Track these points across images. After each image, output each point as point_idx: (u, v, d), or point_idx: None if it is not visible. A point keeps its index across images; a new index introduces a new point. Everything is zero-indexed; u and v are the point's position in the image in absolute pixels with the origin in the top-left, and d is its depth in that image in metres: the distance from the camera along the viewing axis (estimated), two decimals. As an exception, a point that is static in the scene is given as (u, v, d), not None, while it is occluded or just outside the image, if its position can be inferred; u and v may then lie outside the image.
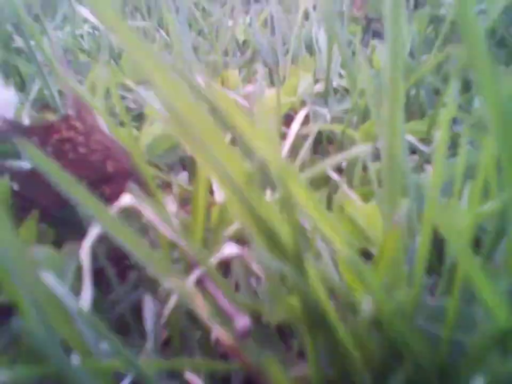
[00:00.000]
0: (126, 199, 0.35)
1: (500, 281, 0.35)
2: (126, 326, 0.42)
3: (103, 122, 0.45)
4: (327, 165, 0.43)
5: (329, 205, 0.53)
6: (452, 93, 0.39)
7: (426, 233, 0.32)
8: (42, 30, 0.82)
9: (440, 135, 0.38)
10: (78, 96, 0.43)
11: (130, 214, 0.45)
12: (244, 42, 1.03)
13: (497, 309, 0.27)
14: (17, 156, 0.46)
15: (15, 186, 0.47)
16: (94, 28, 0.90)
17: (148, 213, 0.33)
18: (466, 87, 0.83)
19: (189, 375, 0.33)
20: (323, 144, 0.66)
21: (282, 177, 0.26)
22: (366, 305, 0.28)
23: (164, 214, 0.36)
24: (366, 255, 0.44)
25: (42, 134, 0.43)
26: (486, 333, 0.28)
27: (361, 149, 0.43)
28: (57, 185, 0.27)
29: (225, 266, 0.44)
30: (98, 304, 0.39)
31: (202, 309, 0.29)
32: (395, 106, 0.31)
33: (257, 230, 0.28)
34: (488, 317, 0.29)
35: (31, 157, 0.27)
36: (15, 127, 0.42)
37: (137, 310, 0.40)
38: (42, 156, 0.27)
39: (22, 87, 0.81)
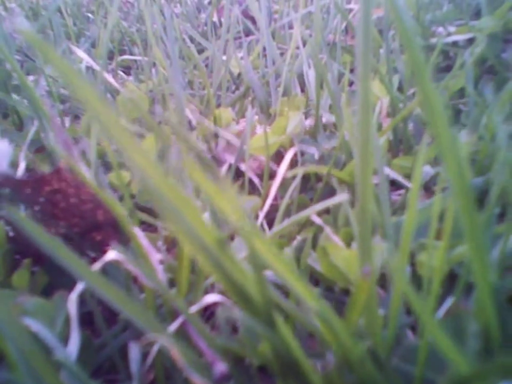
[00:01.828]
0: (110, 255, 0.37)
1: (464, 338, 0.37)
2: (114, 367, 0.43)
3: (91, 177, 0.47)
4: (308, 213, 0.45)
5: (314, 246, 0.55)
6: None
7: (400, 278, 0.34)
8: (39, 69, 0.84)
9: (413, 183, 0.40)
10: (68, 151, 0.45)
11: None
12: (239, 75, 1.05)
13: (459, 361, 0.29)
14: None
15: (10, 233, 0.49)
16: (90, 67, 0.92)
17: (131, 267, 0.35)
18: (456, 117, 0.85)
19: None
20: (311, 182, 0.68)
21: (247, 238, 0.28)
22: (329, 356, 0.29)
23: (147, 266, 0.38)
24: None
25: (34, 186, 0.45)
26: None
27: (340, 197, 0.45)
28: (41, 246, 0.29)
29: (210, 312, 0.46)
30: (86, 347, 0.41)
31: (178, 359, 0.31)
32: (366, 161, 0.32)
33: (230, 289, 0.30)
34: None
35: (15, 221, 0.29)
36: (8, 179, 0.44)
37: (125, 352, 0.42)
38: (26, 220, 0.29)
39: (20, 126, 0.83)
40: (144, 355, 0.39)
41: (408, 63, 0.93)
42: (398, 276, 0.35)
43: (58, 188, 0.45)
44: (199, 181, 0.29)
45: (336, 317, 0.31)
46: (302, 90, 0.93)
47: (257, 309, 0.30)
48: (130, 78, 1.08)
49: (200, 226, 0.29)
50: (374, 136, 0.50)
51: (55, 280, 0.47)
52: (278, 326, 0.30)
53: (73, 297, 0.37)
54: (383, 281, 0.46)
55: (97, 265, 0.37)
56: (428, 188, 0.67)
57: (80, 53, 0.89)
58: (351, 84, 1.01)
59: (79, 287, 0.38)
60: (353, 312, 0.34)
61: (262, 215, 0.57)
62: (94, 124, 0.61)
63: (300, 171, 0.58)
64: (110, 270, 0.45)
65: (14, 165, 0.64)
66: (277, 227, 0.46)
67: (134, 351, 0.38)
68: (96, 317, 0.44)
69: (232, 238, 0.49)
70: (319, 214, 0.56)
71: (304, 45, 0.99)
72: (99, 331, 0.45)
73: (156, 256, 0.42)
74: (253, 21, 1.29)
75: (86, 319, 0.45)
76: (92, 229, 0.47)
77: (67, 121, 0.85)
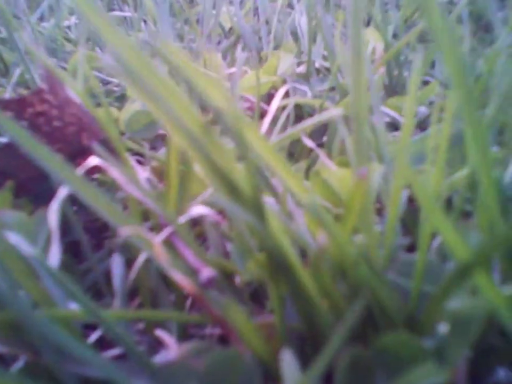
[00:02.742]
0: (93, 160, 0.35)
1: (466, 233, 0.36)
2: (99, 292, 0.42)
3: (77, 97, 0.45)
4: (298, 130, 0.43)
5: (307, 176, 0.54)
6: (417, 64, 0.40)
7: (397, 189, 0.33)
8: (27, 21, 0.83)
9: (408, 106, 0.39)
10: (51, 71, 0.44)
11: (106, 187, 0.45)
12: (230, 29, 1.03)
13: (458, 247, 0.28)
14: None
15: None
16: (81, 18, 0.90)
17: (114, 173, 0.33)
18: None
19: (159, 332, 0.33)
20: (304, 119, 0.66)
21: (235, 122, 0.26)
22: (321, 239, 0.28)
23: (132, 176, 0.37)
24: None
25: (16, 108, 0.44)
26: (450, 272, 0.29)
27: (332, 113, 0.44)
28: (26, 150, 0.28)
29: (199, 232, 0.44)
30: (70, 272, 0.39)
31: (163, 258, 0.30)
32: (360, 81, 0.31)
33: (216, 177, 0.28)
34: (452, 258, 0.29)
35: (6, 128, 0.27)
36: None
37: (110, 278, 0.40)
38: (14, 124, 0.27)
39: (5, 73, 0.81)
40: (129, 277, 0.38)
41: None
42: (396, 184, 0.33)
43: (41, 110, 0.44)
44: (180, 63, 0.27)
45: (329, 214, 0.29)
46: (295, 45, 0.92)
47: (245, 200, 0.28)
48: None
49: (185, 111, 0.27)
50: (368, 69, 0.48)
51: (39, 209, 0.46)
52: (269, 219, 0.29)
53: (54, 207, 0.35)
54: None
55: (80, 170, 0.36)
56: (423, 128, 0.65)
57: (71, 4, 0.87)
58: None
59: (61, 194, 0.36)
60: (348, 217, 0.32)
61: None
62: (80, 65, 0.59)
63: (292, 101, 0.56)
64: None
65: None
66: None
67: (117, 263, 0.37)
68: (81, 242, 0.42)
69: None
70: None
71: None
72: (84, 259, 0.43)
73: (142, 174, 0.41)
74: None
75: (72, 249, 0.44)
76: (77, 154, 0.46)
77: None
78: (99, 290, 0.42)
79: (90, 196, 0.30)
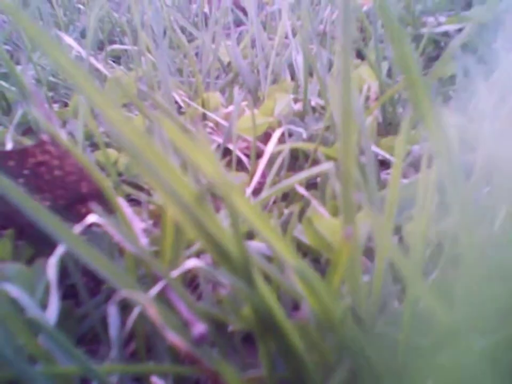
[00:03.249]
0: (91, 218, 0.37)
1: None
2: (97, 338, 0.43)
3: (76, 148, 0.47)
4: (293, 182, 0.45)
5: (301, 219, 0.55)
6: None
7: (385, 243, 0.34)
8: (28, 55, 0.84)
9: (395, 161, 0.40)
10: (51, 124, 0.45)
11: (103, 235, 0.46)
12: (229, 64, 1.05)
13: (442, 317, 0.29)
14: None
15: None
16: (80, 56, 0.92)
17: (111, 230, 0.35)
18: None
19: (154, 379, 0.34)
20: (299, 161, 0.68)
21: (223, 191, 0.28)
22: (304, 306, 0.29)
23: (129, 231, 0.38)
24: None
25: (18, 158, 0.45)
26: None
27: (325, 167, 0.45)
28: (23, 208, 0.29)
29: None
30: (68, 317, 0.41)
31: (155, 316, 0.31)
32: (348, 133, 0.32)
33: (209, 246, 0.30)
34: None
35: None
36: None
37: (107, 323, 0.41)
38: (7, 182, 0.28)
39: (7, 111, 0.83)
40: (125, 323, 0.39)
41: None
42: (382, 236, 0.35)
43: (42, 160, 0.45)
44: (174, 137, 0.29)
45: (316, 275, 0.31)
46: (292, 79, 0.93)
47: (237, 267, 0.30)
48: (121, 67, 1.08)
49: (178, 183, 0.29)
50: (360, 112, 0.50)
51: (40, 253, 0.47)
52: (257, 283, 0.30)
53: (52, 261, 0.37)
54: (370, 254, 0.46)
55: (77, 228, 0.37)
56: (417, 167, 0.67)
57: (70, 41, 0.88)
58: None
59: (59, 250, 0.37)
60: (334, 274, 0.34)
61: (249, 191, 0.57)
62: (81, 105, 0.61)
63: (287, 147, 0.58)
64: (94, 241, 0.45)
65: (1, 145, 0.64)
66: (261, 196, 0.46)
67: (113, 315, 0.38)
68: (78, 286, 0.43)
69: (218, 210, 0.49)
70: (307, 189, 0.56)
71: (294, 35, 0.99)
72: (82, 302, 0.45)
73: (139, 225, 0.42)
74: (244, 12, 1.29)
75: (70, 292, 0.45)
76: (77, 201, 0.47)
77: (56, 108, 0.85)
78: (96, 335, 0.44)
79: (86, 255, 0.31)
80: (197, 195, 0.28)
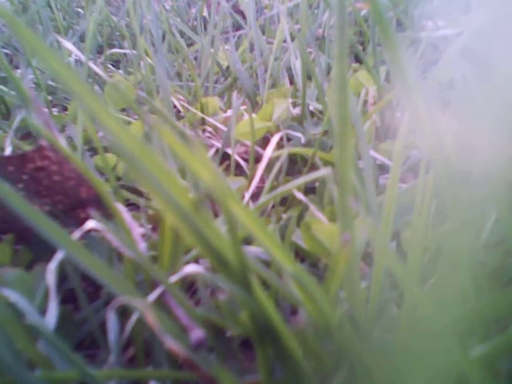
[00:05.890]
0: (90, 224, 0.37)
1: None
2: (95, 343, 0.43)
3: (74, 154, 0.47)
4: (291, 187, 0.45)
5: (299, 224, 0.55)
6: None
7: (382, 252, 0.34)
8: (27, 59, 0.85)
9: (393, 166, 0.41)
10: (50, 130, 0.46)
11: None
12: (227, 68, 1.06)
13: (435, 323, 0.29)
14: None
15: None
16: (79, 60, 0.92)
17: (109, 236, 0.35)
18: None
19: None
20: (298, 166, 0.68)
21: (220, 197, 0.28)
22: (302, 312, 0.29)
23: (128, 237, 0.38)
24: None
25: (17, 163, 0.46)
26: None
27: (323, 172, 0.45)
28: (21, 214, 0.29)
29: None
30: (67, 322, 0.41)
31: (154, 322, 0.31)
32: (345, 142, 0.33)
33: (207, 252, 0.30)
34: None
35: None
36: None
37: (106, 328, 0.42)
38: (6, 187, 0.29)
39: (7, 115, 0.83)
40: (122, 330, 0.39)
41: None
42: (379, 242, 0.35)
43: (41, 166, 0.45)
44: (171, 143, 0.29)
45: (314, 281, 0.31)
46: (291, 83, 0.94)
47: (235, 273, 0.30)
48: (120, 71, 1.08)
49: (175, 189, 0.29)
50: (358, 117, 0.50)
51: (39, 257, 0.47)
52: (254, 289, 0.30)
53: (51, 267, 0.37)
54: (369, 259, 0.46)
55: (76, 234, 0.37)
56: (415, 172, 0.67)
57: (69, 46, 0.89)
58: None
59: (58, 256, 0.38)
60: (332, 279, 0.34)
61: (247, 196, 0.57)
62: (80, 110, 0.61)
63: (285, 152, 0.58)
64: (93, 246, 0.45)
65: (0, 150, 0.64)
66: (259, 201, 0.46)
67: (112, 320, 0.38)
68: (77, 291, 0.44)
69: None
70: (305, 194, 0.57)
71: (293, 40, 0.99)
72: (81, 308, 0.45)
73: (137, 230, 0.42)
74: (243, 15, 1.29)
75: (69, 297, 0.45)
76: (76, 206, 0.47)
77: (55, 112, 0.85)
78: (95, 340, 0.44)
79: (85, 261, 0.32)
80: (195, 201, 0.29)
